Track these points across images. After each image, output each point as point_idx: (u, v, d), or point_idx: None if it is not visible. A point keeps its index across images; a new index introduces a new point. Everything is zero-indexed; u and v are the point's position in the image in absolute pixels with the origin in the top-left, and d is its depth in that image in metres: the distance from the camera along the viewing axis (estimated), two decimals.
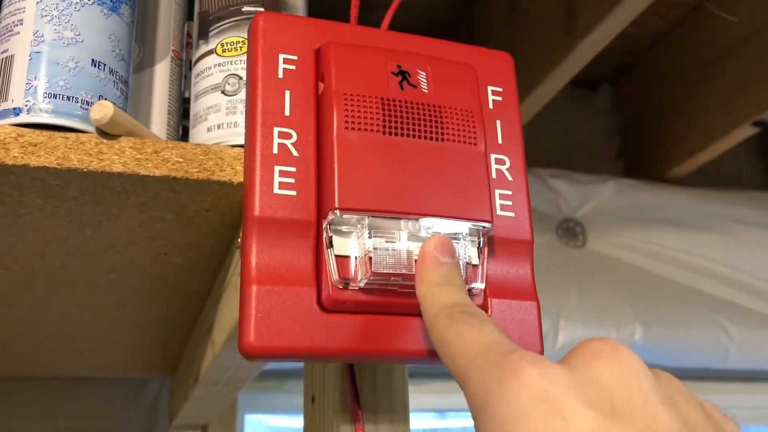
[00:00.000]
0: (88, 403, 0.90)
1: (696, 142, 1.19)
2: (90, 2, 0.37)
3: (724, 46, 1.15)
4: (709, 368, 1.19)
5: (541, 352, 0.32)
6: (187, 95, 0.48)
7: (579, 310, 1.09)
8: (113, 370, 0.89)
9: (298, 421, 1.13)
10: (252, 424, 1.09)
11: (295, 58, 0.32)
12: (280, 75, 0.31)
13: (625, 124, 1.39)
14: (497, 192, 0.33)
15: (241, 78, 0.39)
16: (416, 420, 1.27)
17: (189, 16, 0.49)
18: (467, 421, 1.35)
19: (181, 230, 0.43)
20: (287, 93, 0.31)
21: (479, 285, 0.31)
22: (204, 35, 0.41)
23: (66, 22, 0.36)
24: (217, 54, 0.40)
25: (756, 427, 1.36)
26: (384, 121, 0.30)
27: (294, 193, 0.30)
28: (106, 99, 0.37)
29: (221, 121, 0.39)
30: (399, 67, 0.32)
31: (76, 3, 0.37)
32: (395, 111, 0.31)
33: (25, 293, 0.54)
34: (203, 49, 0.41)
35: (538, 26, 1.01)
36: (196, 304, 0.58)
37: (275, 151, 0.30)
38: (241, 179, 0.35)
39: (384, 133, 0.30)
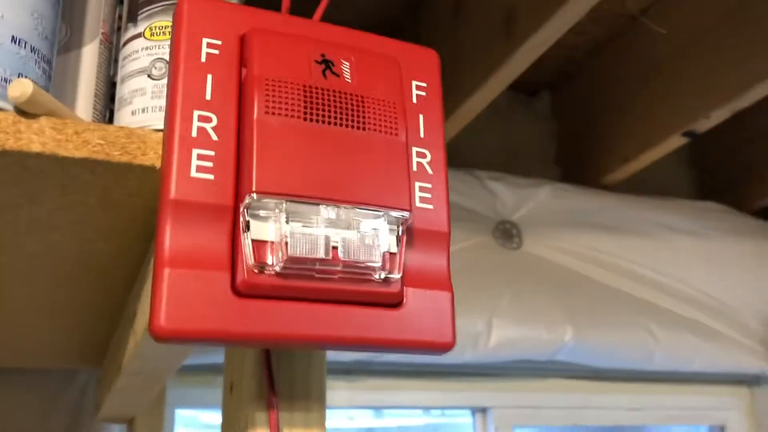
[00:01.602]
0: (11, 395, 0.88)
1: (629, 149, 1.23)
2: None
3: (660, 58, 1.19)
4: (635, 369, 1.22)
5: (453, 341, 0.33)
6: (115, 80, 0.47)
7: (513, 310, 1.11)
8: (39, 361, 0.86)
9: None
10: (184, 419, 1.07)
11: (219, 42, 0.32)
12: (203, 59, 0.31)
13: (563, 130, 1.42)
14: (417, 184, 0.34)
15: (167, 62, 0.39)
16: (352, 417, 1.27)
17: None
18: (405, 420, 1.36)
19: (105, 215, 0.42)
20: (209, 77, 0.31)
21: (396, 273, 0.32)
22: (133, 18, 0.41)
23: None
24: (145, 37, 0.40)
25: (680, 427, 1.41)
26: (306, 107, 0.31)
27: (212, 177, 0.30)
28: (26, 77, 0.36)
29: (146, 105, 0.38)
30: (323, 56, 0.32)
31: None
32: (317, 98, 0.31)
33: None
34: (132, 32, 0.41)
35: (480, 29, 1.02)
36: (121, 292, 0.57)
37: (194, 134, 0.30)
38: (161, 157, 0.35)
39: (305, 119, 0.31)
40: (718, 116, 1.07)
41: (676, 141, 1.15)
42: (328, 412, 0.36)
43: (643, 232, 1.28)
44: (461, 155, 1.28)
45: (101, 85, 0.44)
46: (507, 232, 1.21)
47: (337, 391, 1.11)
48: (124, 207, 0.41)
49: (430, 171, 0.34)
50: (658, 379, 1.28)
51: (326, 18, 0.39)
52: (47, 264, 0.50)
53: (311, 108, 0.31)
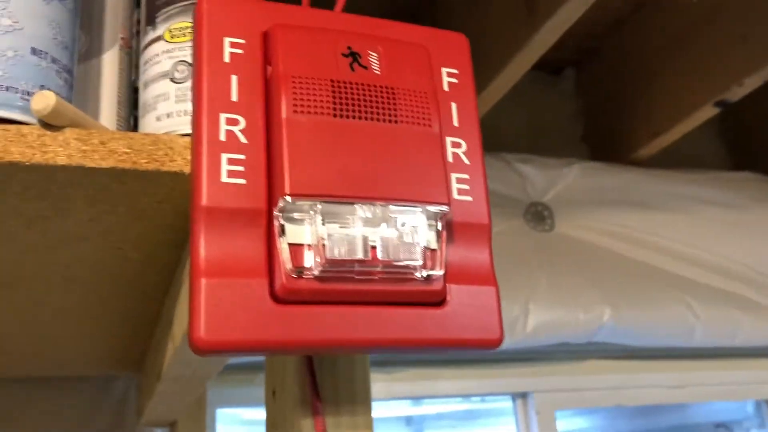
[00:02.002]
0: (53, 403, 0.88)
1: (659, 123, 1.20)
2: None
3: (686, 28, 1.16)
4: (676, 347, 1.20)
5: (501, 336, 0.31)
6: (137, 85, 0.47)
7: (548, 294, 1.10)
8: (77, 369, 0.87)
9: None
10: (225, 417, 1.07)
11: (242, 41, 0.31)
12: (226, 59, 0.30)
13: (589, 107, 1.40)
14: (454, 176, 0.32)
15: (190, 65, 0.38)
16: (391, 408, 1.27)
17: (138, 3, 0.47)
18: (443, 406, 1.35)
19: (135, 223, 0.42)
20: (234, 78, 0.30)
21: (438, 270, 0.30)
22: (152, 21, 0.40)
23: (3, 10, 0.35)
24: (165, 40, 0.39)
25: (722, 403, 1.38)
26: (334, 103, 0.30)
27: (243, 181, 0.29)
28: (48, 89, 0.35)
29: (171, 110, 0.38)
30: (349, 48, 0.31)
31: None
32: (346, 93, 0.30)
33: None
34: (151, 35, 0.40)
35: (500, 10, 1.00)
36: (156, 299, 0.57)
37: (222, 138, 0.29)
38: (191, 163, 0.34)
39: (335, 115, 0.30)
40: (752, 83, 1.04)
41: (708, 111, 1.12)
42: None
43: (676, 207, 1.26)
44: (487, 139, 1.25)
45: (124, 92, 0.44)
46: (538, 215, 1.19)
47: (375, 383, 1.10)
48: (153, 214, 0.40)
49: (466, 161, 0.33)
50: (700, 355, 1.26)
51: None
52: (80, 274, 0.50)
53: (340, 103, 0.30)
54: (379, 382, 1.10)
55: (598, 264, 1.17)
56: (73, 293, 0.55)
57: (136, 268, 0.50)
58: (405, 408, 1.31)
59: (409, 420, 1.36)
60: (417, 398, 1.23)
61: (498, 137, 1.29)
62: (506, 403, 1.23)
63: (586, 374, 1.20)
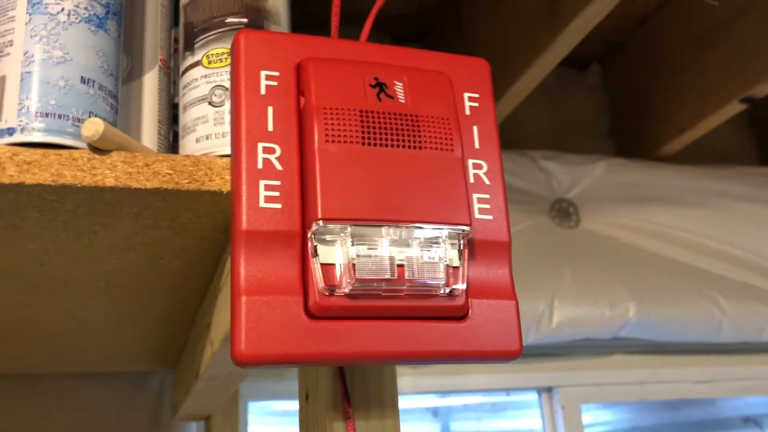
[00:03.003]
0: (92, 398, 0.92)
1: (685, 119, 1.20)
2: (77, 20, 0.38)
3: (712, 24, 1.16)
4: (702, 342, 1.21)
5: (520, 349, 0.33)
6: (176, 101, 0.49)
7: (573, 290, 1.11)
8: (116, 365, 0.91)
9: None
10: (256, 409, 1.11)
11: (277, 74, 0.33)
12: (263, 91, 0.33)
13: (615, 103, 1.40)
14: (475, 196, 0.34)
15: (227, 89, 0.40)
16: (417, 399, 1.29)
17: (176, 21, 0.50)
18: (469, 398, 1.37)
19: (176, 236, 0.44)
20: (270, 109, 0.32)
21: (461, 286, 0.33)
22: (190, 47, 0.42)
23: (55, 42, 0.37)
24: (203, 65, 0.41)
25: (750, 398, 1.38)
26: (363, 132, 0.32)
27: (279, 206, 0.31)
28: (96, 115, 0.38)
29: (209, 132, 0.40)
30: (376, 79, 0.33)
31: (64, 22, 0.38)
32: (374, 122, 0.32)
33: (27, 297, 0.56)
34: (189, 60, 0.42)
35: (524, 11, 1.01)
36: (194, 302, 0.60)
37: (260, 165, 0.31)
38: (231, 188, 0.37)
39: (363, 144, 0.32)
40: None
41: (734, 107, 1.12)
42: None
43: (702, 202, 1.26)
44: (513, 136, 1.27)
45: (163, 110, 0.46)
46: (564, 211, 1.20)
47: (402, 377, 1.13)
48: (193, 228, 0.43)
49: (487, 181, 0.35)
50: (726, 350, 1.26)
51: (363, 7, 0.39)
52: (123, 280, 0.53)
53: (368, 132, 0.32)
54: (406, 377, 1.12)
55: (623, 260, 1.18)
56: (116, 298, 0.58)
57: (175, 275, 0.52)
58: (431, 399, 1.34)
59: (435, 411, 1.38)
60: (443, 393, 1.25)
61: (524, 134, 1.30)
62: (532, 396, 1.25)
63: (610, 368, 1.22)
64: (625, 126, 1.37)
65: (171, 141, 0.48)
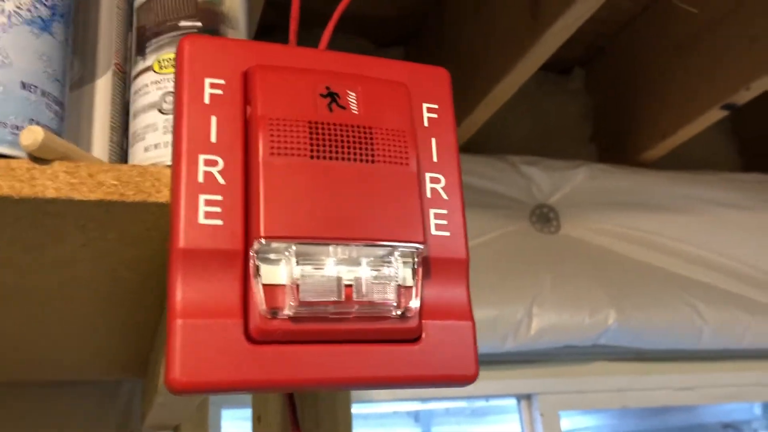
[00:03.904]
0: (60, 406, 0.90)
1: (667, 125, 1.20)
2: (18, 23, 0.36)
3: (694, 29, 1.15)
4: (683, 349, 1.20)
5: (476, 372, 0.32)
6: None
7: (553, 296, 1.10)
8: (84, 374, 0.88)
9: None
10: (231, 413, 1.09)
11: (222, 82, 0.31)
12: (206, 100, 0.31)
13: (597, 108, 1.39)
14: (432, 211, 0.33)
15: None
16: (398, 404, 1.28)
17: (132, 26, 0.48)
18: (450, 403, 1.36)
19: (126, 248, 0.42)
20: (213, 119, 0.31)
21: (414, 306, 0.31)
22: (141, 51, 0.41)
23: None
24: (154, 71, 0.40)
25: (730, 405, 1.38)
26: (312, 144, 0.30)
27: (220, 222, 0.29)
28: (37, 122, 0.36)
29: (158, 141, 0.38)
30: (328, 88, 0.31)
31: (3, 24, 0.36)
32: (323, 134, 0.30)
33: None
34: (141, 65, 0.41)
35: (505, 13, 1.00)
36: (156, 310, 0.58)
37: (200, 179, 0.30)
38: (170, 203, 0.35)
39: (312, 157, 0.30)
40: (759, 87, 1.03)
41: (716, 114, 1.12)
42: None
43: (685, 208, 1.25)
44: (493, 140, 1.26)
45: (117, 117, 0.44)
46: (544, 216, 1.19)
47: None
48: (143, 240, 0.41)
49: (444, 196, 0.33)
50: (707, 357, 1.25)
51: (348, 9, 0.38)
52: (77, 293, 0.51)
53: (317, 145, 0.30)
54: None
55: (603, 266, 1.17)
56: (74, 308, 0.56)
57: (131, 285, 0.50)
58: (412, 404, 1.32)
59: (416, 416, 1.37)
60: (421, 400, 1.23)
61: (505, 138, 1.29)
62: (511, 401, 1.24)
63: (590, 375, 1.20)
64: (607, 131, 1.36)
65: (125, 149, 0.46)
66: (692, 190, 1.27)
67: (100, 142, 0.43)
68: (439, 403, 1.34)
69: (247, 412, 1.14)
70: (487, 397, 1.24)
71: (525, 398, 1.20)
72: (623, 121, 1.31)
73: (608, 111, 1.36)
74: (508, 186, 1.18)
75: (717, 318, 1.17)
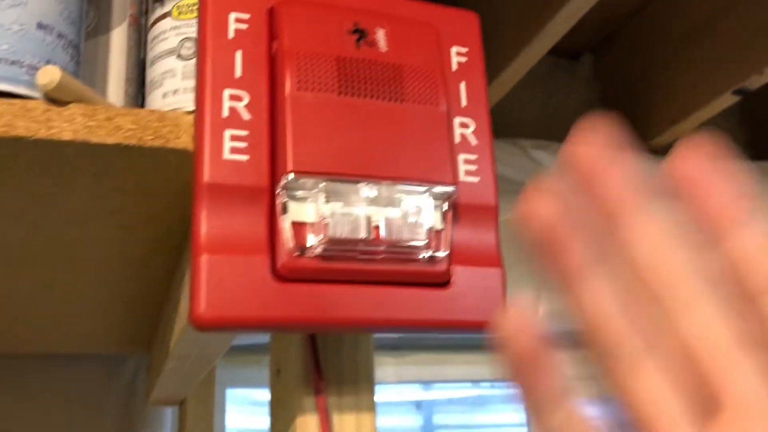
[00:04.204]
0: (64, 380, 0.89)
1: (677, 111, 1.18)
2: None
3: (707, 15, 1.14)
4: None
5: None
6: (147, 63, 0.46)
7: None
8: (89, 347, 0.88)
9: None
10: (236, 398, 1.08)
11: (247, 16, 0.30)
12: (231, 35, 0.30)
13: (606, 94, 1.38)
14: (461, 156, 0.32)
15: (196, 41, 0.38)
16: (401, 392, 1.27)
17: None
18: (453, 392, 1.35)
19: (141, 202, 0.41)
20: (238, 53, 0.30)
21: (443, 252, 0.30)
22: None
23: None
24: (172, 17, 0.39)
25: None
26: (340, 80, 0.29)
27: (246, 157, 0.28)
28: (54, 64, 0.35)
29: (177, 87, 0.37)
30: (356, 25, 0.31)
31: None
32: (351, 71, 0.29)
33: None
34: (159, 11, 0.40)
35: None
36: (164, 279, 0.57)
37: (225, 114, 0.29)
38: (194, 139, 0.34)
39: (340, 93, 0.29)
40: None
41: (727, 99, 1.10)
42: (376, 388, 0.35)
43: None
44: (502, 125, 1.24)
45: (132, 69, 0.43)
46: None
47: (385, 367, 1.10)
48: (160, 193, 0.40)
49: (474, 141, 0.32)
50: None
51: None
52: (88, 253, 0.50)
53: (345, 81, 0.29)
54: (388, 366, 1.10)
55: None
56: (81, 272, 0.55)
57: (143, 248, 0.49)
58: (415, 393, 1.32)
59: (418, 405, 1.36)
60: (426, 382, 1.22)
61: (514, 123, 1.28)
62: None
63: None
64: (616, 117, 1.35)
65: (140, 103, 0.45)
66: None
67: (115, 93, 0.42)
68: (441, 391, 1.33)
69: (252, 395, 1.13)
70: (492, 381, 1.24)
71: None
72: (632, 107, 1.30)
73: (617, 97, 1.35)
74: (517, 170, 1.17)
75: None
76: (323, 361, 0.33)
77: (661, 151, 1.27)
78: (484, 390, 1.33)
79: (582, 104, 1.39)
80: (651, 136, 1.26)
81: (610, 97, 1.37)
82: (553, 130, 1.32)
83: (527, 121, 1.33)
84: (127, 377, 0.91)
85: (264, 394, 1.14)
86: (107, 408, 0.90)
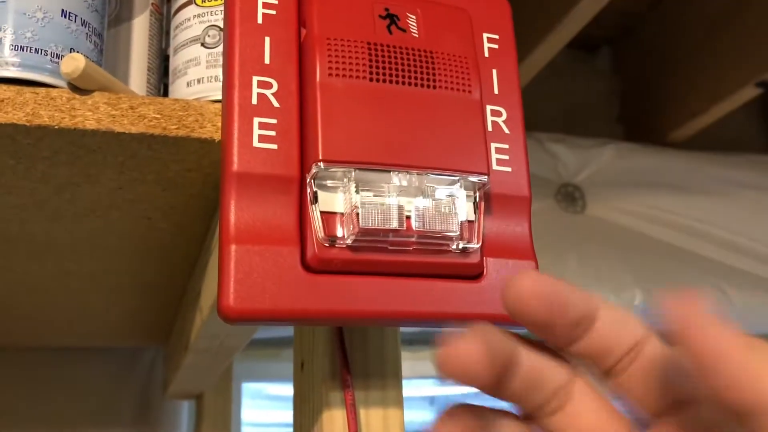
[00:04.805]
0: (81, 373, 0.89)
1: (697, 104, 1.17)
2: None
3: (727, 6, 1.12)
4: None
5: None
6: (168, 52, 0.46)
7: (578, 276, 1.08)
8: (106, 340, 0.88)
9: None
10: (251, 391, 1.08)
11: (275, 2, 0.30)
12: (259, 20, 0.29)
13: (625, 87, 1.37)
14: (493, 145, 0.31)
15: (221, 29, 0.37)
16: (415, 387, 1.27)
17: None
18: (466, 388, 1.35)
19: (163, 192, 0.41)
20: (267, 39, 0.29)
21: (475, 244, 0.29)
22: None
23: None
24: (196, 4, 0.38)
25: None
26: (371, 67, 0.28)
27: (275, 146, 0.28)
28: (78, 52, 0.35)
29: (201, 75, 0.37)
30: (387, 10, 0.30)
31: None
32: (383, 56, 0.29)
33: (7, 261, 0.53)
34: None
35: None
36: (184, 270, 0.57)
37: (254, 101, 0.28)
38: (221, 127, 0.34)
39: (371, 79, 0.28)
40: None
41: (749, 92, 1.09)
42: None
43: (713, 190, 1.23)
44: None
45: (154, 59, 0.43)
46: (570, 196, 1.17)
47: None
48: (182, 183, 0.40)
49: (506, 130, 0.32)
50: None
51: None
52: (108, 243, 0.50)
53: (377, 67, 0.28)
54: (404, 360, 1.09)
55: (630, 247, 1.15)
56: (102, 263, 0.55)
57: (164, 238, 0.49)
58: (429, 388, 1.31)
59: (432, 400, 1.35)
60: (439, 383, 1.22)
61: (531, 116, 1.26)
62: None
63: None
64: (635, 110, 1.33)
65: (161, 93, 0.44)
66: (720, 172, 1.25)
67: (138, 82, 0.41)
68: (455, 387, 1.32)
69: (267, 389, 1.13)
70: None
71: None
72: (651, 100, 1.29)
73: (636, 90, 1.33)
74: (534, 163, 1.15)
75: (745, 302, 1.15)
76: (349, 355, 0.33)
77: (680, 145, 1.25)
78: None
79: (600, 97, 1.37)
80: (670, 129, 1.24)
81: (629, 90, 1.36)
82: (571, 123, 1.30)
83: (544, 113, 1.32)
84: (143, 371, 0.91)
85: (278, 388, 1.14)
86: (123, 402, 0.90)
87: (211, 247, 0.45)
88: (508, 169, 0.31)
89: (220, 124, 0.34)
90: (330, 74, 0.28)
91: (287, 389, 1.14)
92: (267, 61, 0.29)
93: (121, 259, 0.53)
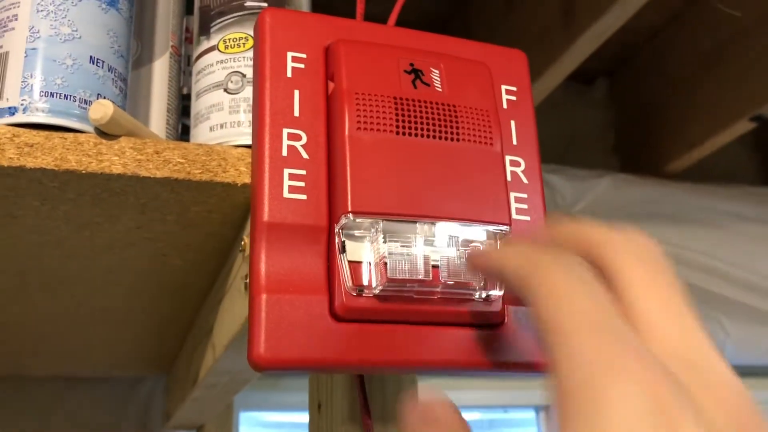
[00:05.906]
0: (80, 403, 0.89)
1: (693, 136, 1.19)
2: None
3: (723, 40, 1.14)
4: None
5: None
6: (185, 92, 0.47)
7: None
8: (108, 370, 0.87)
9: (293, 417, 1.12)
10: (247, 419, 1.07)
11: (304, 56, 0.31)
12: (289, 74, 0.30)
13: (622, 118, 1.38)
14: (513, 195, 0.32)
15: (244, 76, 0.38)
16: None
17: (188, 10, 0.48)
18: (466, 415, 1.35)
19: (182, 232, 0.42)
20: (296, 93, 0.30)
21: (498, 291, 0.30)
22: (205, 31, 0.40)
23: (63, 18, 0.35)
24: (219, 50, 0.39)
25: None
26: (397, 120, 0.29)
27: (304, 197, 0.29)
28: (104, 97, 0.35)
29: (224, 120, 0.38)
30: (412, 65, 0.31)
31: None
32: (409, 110, 0.30)
33: (20, 294, 0.53)
34: (204, 45, 0.40)
35: (535, 20, 0.99)
36: (194, 303, 0.57)
37: (284, 153, 0.29)
38: (245, 180, 0.34)
39: (397, 133, 0.29)
40: None
41: (744, 126, 1.11)
42: None
43: (709, 221, 1.24)
44: None
45: (173, 99, 0.44)
46: None
47: None
48: (201, 223, 0.40)
49: (525, 180, 0.33)
50: None
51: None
52: (123, 279, 0.50)
53: (403, 121, 0.29)
54: None
55: None
56: (114, 297, 0.55)
57: (178, 275, 0.50)
58: None
59: None
60: None
61: None
62: (529, 414, 1.22)
63: None
64: (631, 141, 1.35)
65: (179, 132, 0.45)
66: (716, 203, 1.26)
67: (158, 124, 0.42)
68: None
69: (263, 417, 1.13)
70: (505, 408, 1.23)
71: (544, 409, 1.18)
72: (648, 131, 1.30)
73: (632, 122, 1.35)
74: None
75: (741, 333, 1.16)
76: (369, 399, 0.33)
77: (676, 177, 1.27)
78: (497, 414, 1.32)
79: (596, 128, 1.39)
80: (666, 160, 1.26)
81: (625, 121, 1.37)
82: (568, 154, 1.32)
83: (541, 144, 1.33)
84: (143, 399, 0.91)
85: (275, 417, 1.13)
86: (123, 430, 0.90)
87: (226, 285, 0.45)
88: (527, 218, 0.32)
89: (242, 169, 0.35)
90: (358, 128, 0.29)
91: (284, 417, 1.14)
92: (296, 113, 0.30)
93: (135, 293, 0.54)
